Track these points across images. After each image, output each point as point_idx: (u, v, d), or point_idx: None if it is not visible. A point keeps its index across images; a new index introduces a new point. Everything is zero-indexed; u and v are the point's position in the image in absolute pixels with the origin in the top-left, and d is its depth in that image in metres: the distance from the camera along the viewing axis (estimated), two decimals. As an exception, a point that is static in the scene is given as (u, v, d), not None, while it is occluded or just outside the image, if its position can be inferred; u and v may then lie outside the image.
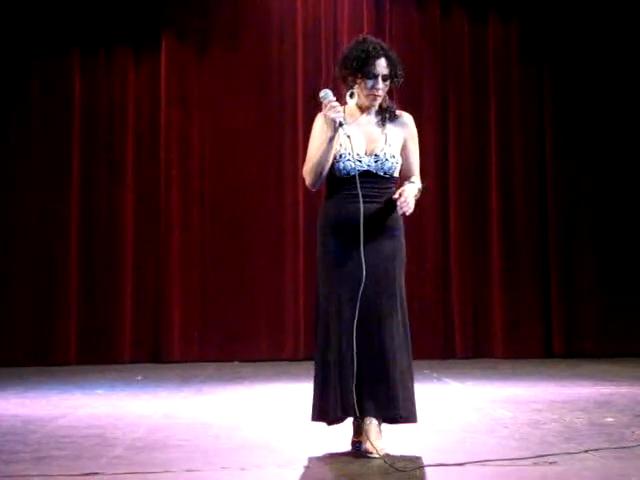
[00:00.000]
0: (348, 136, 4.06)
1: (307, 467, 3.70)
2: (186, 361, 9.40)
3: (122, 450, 4.18)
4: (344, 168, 4.14)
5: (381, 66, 4.18)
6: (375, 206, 4.12)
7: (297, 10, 10.00)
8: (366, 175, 4.13)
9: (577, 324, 9.83)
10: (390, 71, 4.21)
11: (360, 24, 9.99)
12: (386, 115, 4.26)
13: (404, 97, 9.31)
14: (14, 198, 9.62)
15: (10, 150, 9.67)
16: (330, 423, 4.09)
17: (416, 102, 9.61)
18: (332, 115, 4.07)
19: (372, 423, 4.00)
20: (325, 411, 4.04)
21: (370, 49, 4.17)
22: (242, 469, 3.67)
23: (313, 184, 4.18)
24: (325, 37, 10.01)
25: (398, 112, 4.33)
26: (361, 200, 4.03)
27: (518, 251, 9.94)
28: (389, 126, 4.25)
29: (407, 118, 4.34)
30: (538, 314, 9.87)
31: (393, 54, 4.26)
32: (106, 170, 9.76)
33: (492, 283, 9.83)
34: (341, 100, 4.23)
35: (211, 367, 8.89)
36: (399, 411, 4.02)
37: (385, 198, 4.16)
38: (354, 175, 4.08)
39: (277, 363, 9.27)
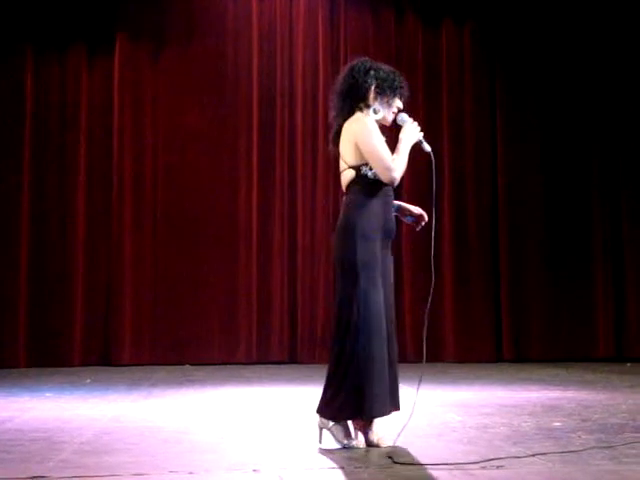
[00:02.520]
0: (429, 152, 4.46)
1: (256, 471, 3.69)
2: (137, 364, 9.35)
3: (69, 454, 4.13)
4: None
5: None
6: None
7: (252, 11, 10.01)
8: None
9: (526, 330, 9.95)
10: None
11: (315, 25, 10.04)
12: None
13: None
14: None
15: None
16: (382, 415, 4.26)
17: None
18: (417, 131, 4.46)
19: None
20: (384, 405, 4.21)
21: (396, 71, 4.49)
22: (190, 473, 3.64)
23: (399, 180, 4.34)
24: (280, 38, 10.03)
25: None
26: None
27: (469, 258, 10.04)
28: None
29: None
30: (488, 319, 9.97)
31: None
32: (57, 172, 9.69)
33: (444, 287, 9.88)
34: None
35: (162, 371, 8.84)
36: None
37: None
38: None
39: (229, 366, 9.25)
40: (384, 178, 4.29)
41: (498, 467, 3.70)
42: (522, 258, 10.06)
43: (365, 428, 4.27)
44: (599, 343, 10.02)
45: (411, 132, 4.44)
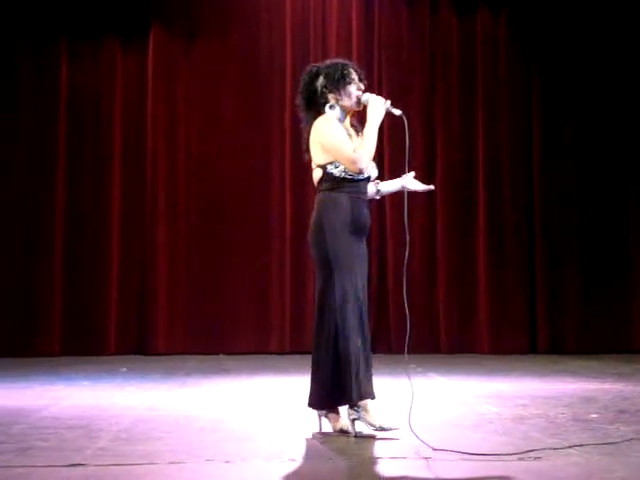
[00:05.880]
0: (401, 115, 4.42)
1: (293, 460, 3.70)
2: (171, 354, 9.39)
3: (106, 442, 4.16)
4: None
5: None
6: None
7: (285, 3, 9.98)
8: (367, 180, 4.51)
9: (562, 321, 9.86)
10: None
11: (349, 16, 9.99)
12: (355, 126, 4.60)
13: (393, 91, 9.34)
14: (-1, 188, 9.59)
15: (-5, 140, 9.63)
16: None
17: (404, 96, 9.59)
18: (382, 103, 4.43)
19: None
20: (367, 392, 4.26)
21: (339, 62, 4.56)
22: (227, 462, 3.66)
23: (367, 169, 4.40)
24: (314, 30, 10.00)
25: None
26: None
27: (504, 248, 9.94)
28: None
29: None
30: (523, 311, 9.88)
31: None
32: (92, 162, 9.73)
33: (478, 279, 9.84)
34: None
35: (196, 360, 8.87)
36: None
37: None
38: (365, 179, 4.46)
39: (263, 356, 9.26)
40: (352, 170, 4.37)
41: (535, 458, 3.68)
42: (557, 250, 9.96)
43: (358, 413, 4.29)
44: (635, 335, 9.92)
45: (375, 108, 4.44)
